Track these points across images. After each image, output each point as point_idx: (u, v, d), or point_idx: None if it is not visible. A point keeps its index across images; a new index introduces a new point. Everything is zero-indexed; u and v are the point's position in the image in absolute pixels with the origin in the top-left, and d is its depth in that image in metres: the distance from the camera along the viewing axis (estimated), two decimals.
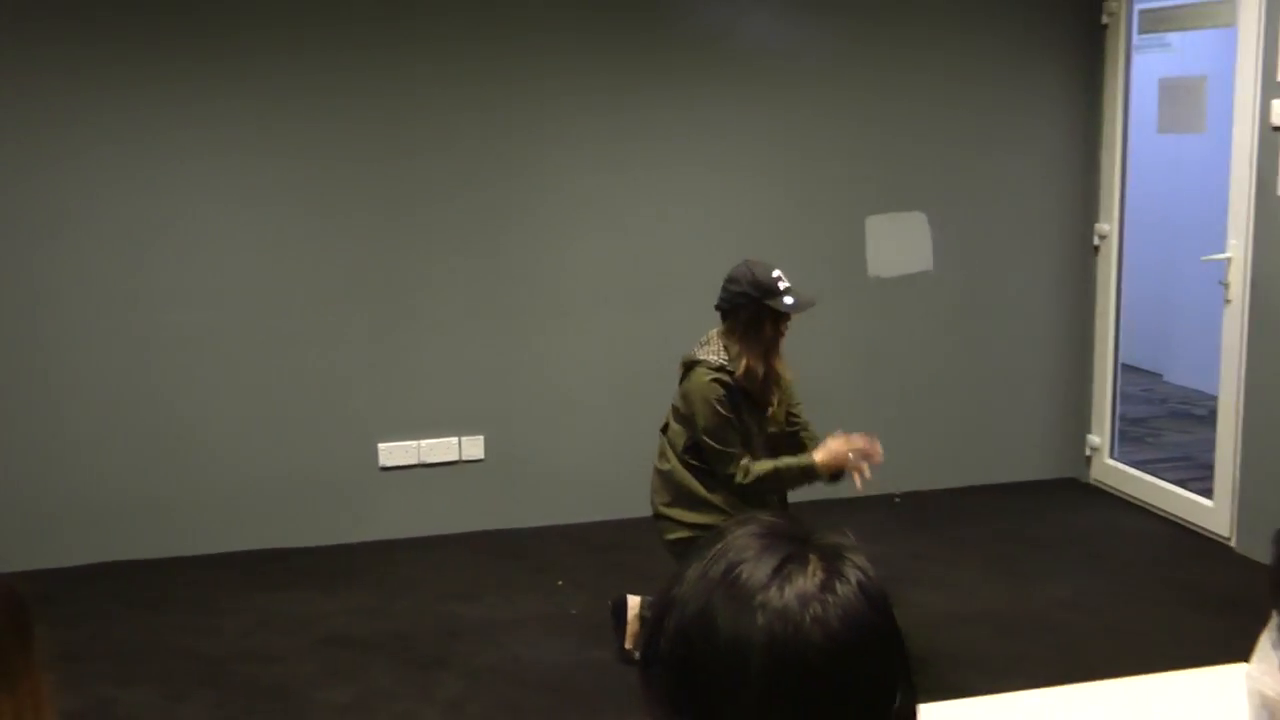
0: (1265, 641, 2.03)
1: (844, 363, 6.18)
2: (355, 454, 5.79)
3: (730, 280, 4.11)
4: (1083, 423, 6.53)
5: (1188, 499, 5.92)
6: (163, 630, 4.87)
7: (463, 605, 5.07)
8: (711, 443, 4.06)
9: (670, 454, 4.26)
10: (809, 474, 4.12)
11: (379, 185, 5.65)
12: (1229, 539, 5.62)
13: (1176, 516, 5.95)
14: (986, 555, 5.55)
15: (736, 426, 4.08)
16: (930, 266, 6.25)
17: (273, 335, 5.64)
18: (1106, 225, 6.29)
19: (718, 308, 4.16)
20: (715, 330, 4.19)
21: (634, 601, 4.52)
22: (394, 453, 5.82)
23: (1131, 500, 6.24)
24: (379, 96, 5.58)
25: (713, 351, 4.12)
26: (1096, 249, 6.36)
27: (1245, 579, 5.13)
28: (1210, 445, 5.85)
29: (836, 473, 4.17)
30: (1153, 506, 6.10)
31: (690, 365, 4.17)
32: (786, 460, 4.15)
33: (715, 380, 4.06)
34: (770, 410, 4.25)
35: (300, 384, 5.68)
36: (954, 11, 6.09)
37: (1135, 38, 6.18)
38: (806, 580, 1.10)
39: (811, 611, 1.08)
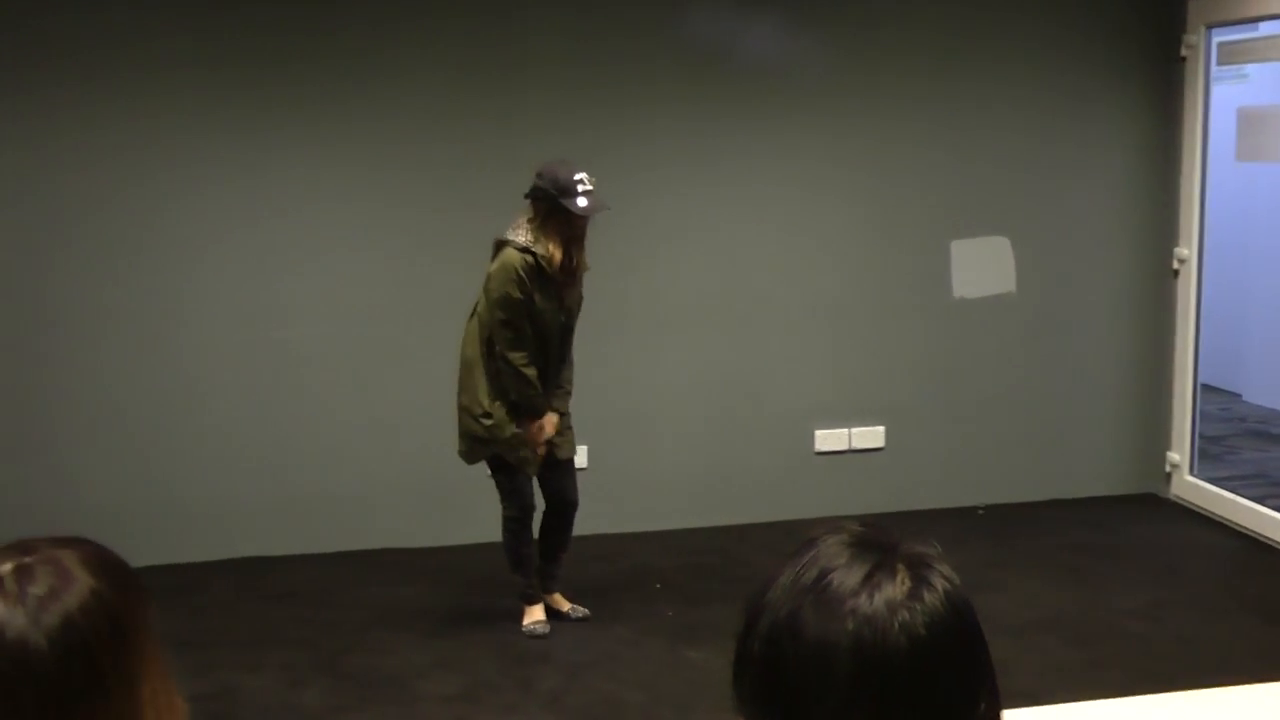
0: None
1: (925, 378, 6.10)
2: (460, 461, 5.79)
3: (538, 174, 4.21)
4: (1162, 440, 6.34)
5: (1265, 514, 5.77)
6: (285, 622, 4.90)
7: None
8: (499, 313, 4.14)
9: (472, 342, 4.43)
10: (527, 413, 4.38)
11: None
12: None
13: (1253, 532, 5.80)
14: (1062, 565, 5.42)
15: (525, 307, 4.14)
16: (1013, 288, 6.15)
17: (394, 349, 5.66)
18: (1186, 250, 6.11)
19: (526, 196, 4.25)
20: (525, 217, 4.25)
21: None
22: None
23: (1209, 516, 6.07)
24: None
25: (521, 235, 4.18)
26: (1176, 273, 6.19)
27: None
28: None
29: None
30: (1230, 521, 5.94)
31: (501, 244, 4.24)
32: (532, 394, 4.34)
33: (522, 258, 4.13)
34: (566, 301, 4.32)
35: (419, 393, 5.64)
36: (1034, 44, 5.99)
37: (1214, 69, 6.04)
38: (895, 588, 1.08)
39: (899, 618, 1.06)
